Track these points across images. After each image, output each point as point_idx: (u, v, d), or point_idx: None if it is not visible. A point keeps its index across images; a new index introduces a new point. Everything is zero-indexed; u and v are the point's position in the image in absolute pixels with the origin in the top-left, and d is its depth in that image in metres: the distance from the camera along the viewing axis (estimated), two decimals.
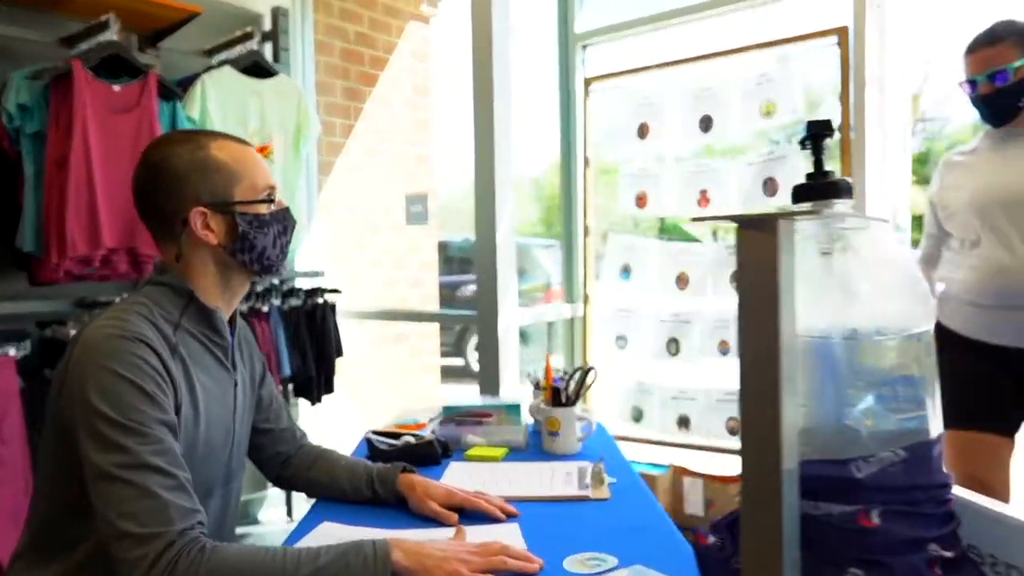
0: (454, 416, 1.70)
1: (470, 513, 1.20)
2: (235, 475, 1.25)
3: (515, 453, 1.61)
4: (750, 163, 2.55)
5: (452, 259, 8.01)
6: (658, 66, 2.70)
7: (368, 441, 1.53)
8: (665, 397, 2.73)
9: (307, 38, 3.05)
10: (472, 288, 3.97)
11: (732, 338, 2.59)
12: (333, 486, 1.33)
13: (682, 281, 2.70)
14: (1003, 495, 1.90)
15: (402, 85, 3.74)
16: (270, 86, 2.67)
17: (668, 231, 2.85)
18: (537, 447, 1.65)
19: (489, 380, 2.47)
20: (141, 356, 1.00)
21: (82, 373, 0.99)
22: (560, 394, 1.59)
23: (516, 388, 2.53)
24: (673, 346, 2.73)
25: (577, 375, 1.64)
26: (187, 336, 1.13)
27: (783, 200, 2.49)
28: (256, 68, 2.65)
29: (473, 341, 7.69)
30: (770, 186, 2.50)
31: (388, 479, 1.29)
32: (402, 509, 1.26)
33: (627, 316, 2.83)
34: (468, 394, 3.18)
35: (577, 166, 2.96)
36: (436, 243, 4.22)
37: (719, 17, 2.66)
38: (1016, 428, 1.92)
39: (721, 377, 2.63)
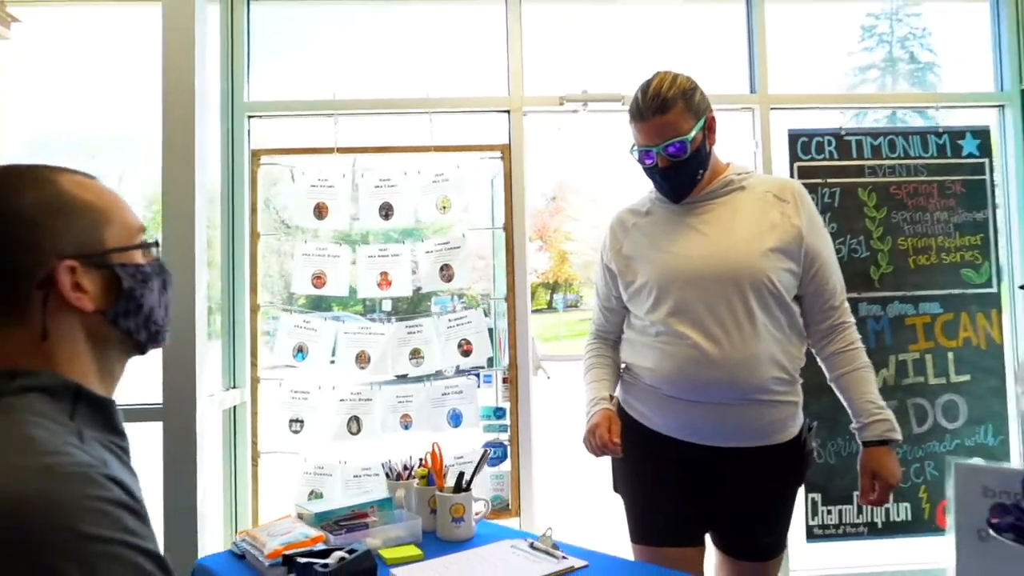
0: (330, 522, 1.51)
1: None
2: None
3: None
4: (428, 251, 2.80)
5: None
6: (340, 150, 2.78)
7: (298, 564, 1.27)
8: (348, 476, 2.72)
9: None
10: None
11: (414, 412, 2.75)
12: None
13: (363, 359, 2.76)
14: None
15: None
16: None
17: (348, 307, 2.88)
18: (429, 537, 1.69)
19: (184, 488, 2.09)
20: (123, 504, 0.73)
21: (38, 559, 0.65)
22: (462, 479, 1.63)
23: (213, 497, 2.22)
24: (355, 424, 2.75)
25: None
26: (99, 450, 0.81)
27: (458, 285, 2.80)
28: None
29: None
30: (446, 272, 2.79)
31: None
32: None
33: (303, 398, 2.74)
34: None
35: (244, 240, 2.78)
36: None
37: (396, 117, 2.89)
38: (702, 537, 1.76)
39: (404, 450, 2.74)
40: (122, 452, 0.88)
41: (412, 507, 1.77)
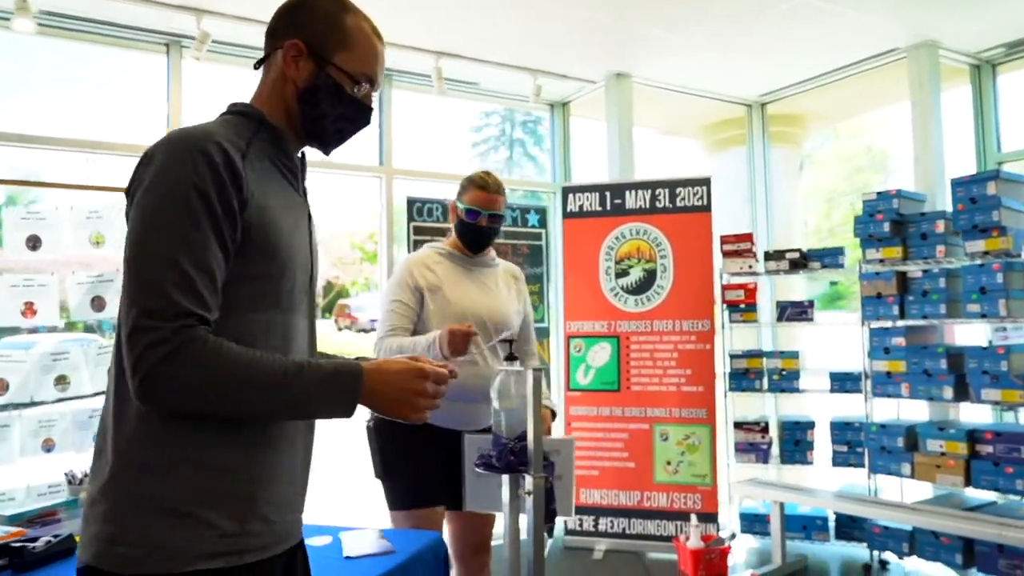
0: (24, 520, 1.66)
1: None
2: None
3: None
4: (80, 283, 2.96)
5: None
6: None
7: (11, 548, 1.48)
8: None
9: None
10: None
11: (58, 436, 2.88)
12: None
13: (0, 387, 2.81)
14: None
15: None
16: None
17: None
18: None
19: None
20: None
21: None
22: None
23: None
24: None
25: None
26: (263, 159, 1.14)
27: (109, 314, 3.01)
28: None
29: None
30: (98, 303, 2.98)
31: None
32: None
33: None
34: None
35: None
36: None
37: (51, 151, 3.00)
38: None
39: (44, 474, 2.85)
40: (287, 171, 1.19)
41: None
